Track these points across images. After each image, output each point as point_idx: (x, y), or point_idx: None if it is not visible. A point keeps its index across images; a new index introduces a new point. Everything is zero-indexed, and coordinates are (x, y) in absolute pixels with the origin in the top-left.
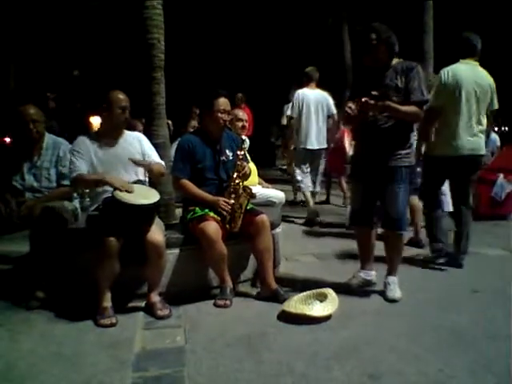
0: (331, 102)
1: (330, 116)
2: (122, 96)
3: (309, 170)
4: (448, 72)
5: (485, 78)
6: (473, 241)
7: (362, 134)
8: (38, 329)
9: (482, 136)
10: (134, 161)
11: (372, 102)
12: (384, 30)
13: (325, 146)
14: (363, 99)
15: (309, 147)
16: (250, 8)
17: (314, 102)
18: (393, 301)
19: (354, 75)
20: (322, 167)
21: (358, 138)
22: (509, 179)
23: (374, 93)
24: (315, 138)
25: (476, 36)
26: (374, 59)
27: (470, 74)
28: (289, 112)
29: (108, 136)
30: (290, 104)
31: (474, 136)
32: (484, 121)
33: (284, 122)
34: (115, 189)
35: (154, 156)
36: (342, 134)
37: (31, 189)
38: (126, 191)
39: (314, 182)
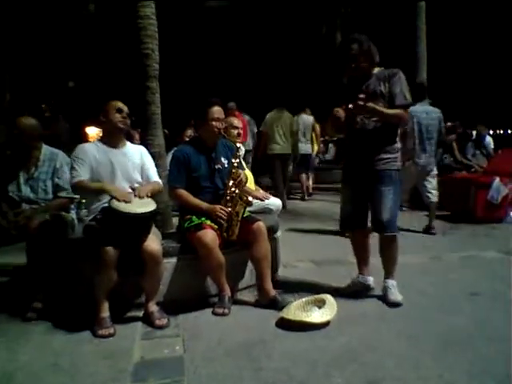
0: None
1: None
2: (118, 102)
3: None
4: None
5: None
6: (470, 243)
7: (351, 140)
8: (36, 340)
9: None
10: (134, 189)
11: (361, 103)
12: (364, 39)
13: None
14: (350, 105)
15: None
16: (243, 17)
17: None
18: (395, 304)
19: (335, 85)
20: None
21: (348, 143)
22: (505, 182)
23: (361, 96)
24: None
25: None
26: (356, 68)
27: None
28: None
29: (108, 144)
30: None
31: None
32: None
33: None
34: (112, 197)
35: (151, 171)
36: None
37: (28, 200)
38: (124, 201)
39: None
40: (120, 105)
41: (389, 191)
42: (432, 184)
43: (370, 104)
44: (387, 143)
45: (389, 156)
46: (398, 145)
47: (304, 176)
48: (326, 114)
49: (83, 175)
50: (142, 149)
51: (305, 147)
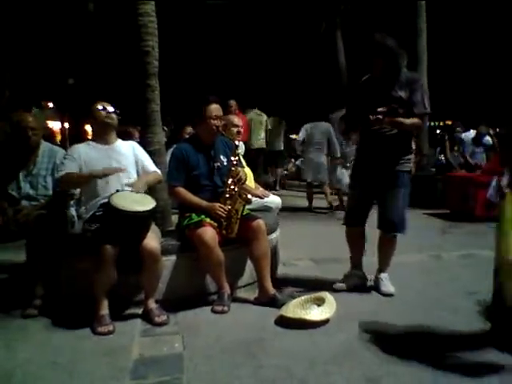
0: None
1: None
2: (101, 102)
3: None
4: None
5: None
6: (469, 242)
7: (366, 140)
8: (35, 337)
9: None
10: (130, 185)
11: (380, 117)
12: (393, 44)
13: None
14: (371, 117)
15: None
16: (242, 14)
17: None
18: (388, 295)
19: (352, 82)
20: None
21: (362, 143)
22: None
23: (380, 109)
24: None
25: None
26: (382, 70)
27: None
28: None
29: (100, 141)
30: None
31: None
32: None
33: None
34: (95, 176)
35: (147, 162)
36: None
37: (28, 197)
38: (107, 174)
39: None
40: (103, 104)
41: (400, 192)
42: None
43: (388, 119)
44: (402, 145)
45: (403, 157)
46: (413, 146)
47: (275, 169)
48: (324, 112)
49: (71, 169)
50: (133, 143)
51: (277, 144)
